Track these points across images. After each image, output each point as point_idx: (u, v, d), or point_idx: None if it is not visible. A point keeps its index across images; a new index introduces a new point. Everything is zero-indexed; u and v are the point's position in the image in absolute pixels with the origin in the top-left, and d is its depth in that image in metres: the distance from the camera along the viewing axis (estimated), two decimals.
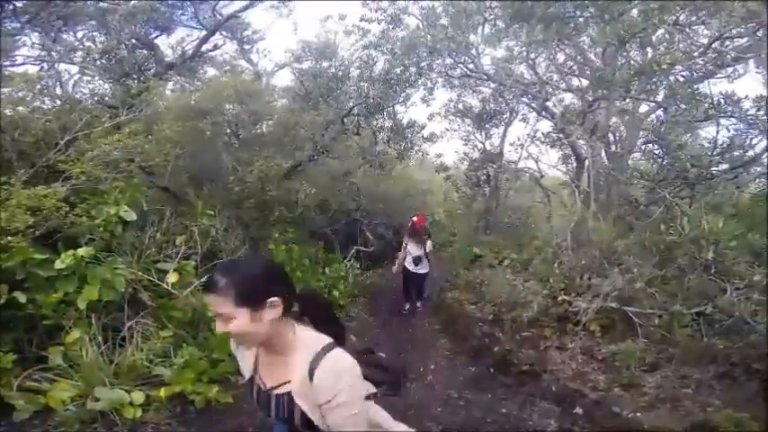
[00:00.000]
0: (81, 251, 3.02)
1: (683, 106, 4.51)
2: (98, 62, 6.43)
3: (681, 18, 4.16)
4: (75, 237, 3.35)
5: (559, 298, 4.31)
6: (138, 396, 2.80)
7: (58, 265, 2.96)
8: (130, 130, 3.89)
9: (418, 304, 6.45)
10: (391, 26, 6.29)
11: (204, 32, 7.63)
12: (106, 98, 5.81)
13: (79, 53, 6.36)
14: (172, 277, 3.55)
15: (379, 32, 6.38)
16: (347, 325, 5.24)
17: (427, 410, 3.49)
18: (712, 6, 3.73)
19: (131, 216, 3.49)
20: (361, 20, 6.57)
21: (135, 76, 6.57)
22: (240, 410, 3.10)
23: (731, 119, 4.48)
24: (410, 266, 6.22)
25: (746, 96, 4.25)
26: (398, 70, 6.06)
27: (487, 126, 8.04)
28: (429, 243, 6.16)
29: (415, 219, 6.36)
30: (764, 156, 4.73)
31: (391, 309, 6.57)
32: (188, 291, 3.70)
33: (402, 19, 6.26)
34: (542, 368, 3.79)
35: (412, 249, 6.15)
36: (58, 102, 5.07)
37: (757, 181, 5.39)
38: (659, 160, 5.49)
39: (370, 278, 7.91)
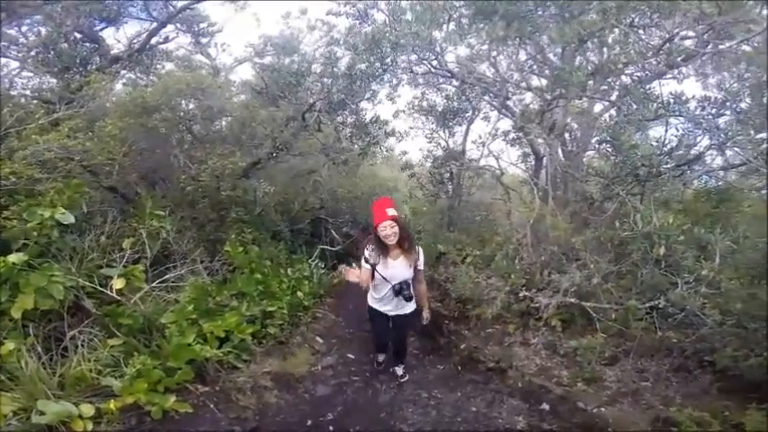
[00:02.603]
0: (12, 257, 2.76)
1: (635, 106, 4.70)
2: (39, 56, 5.95)
3: (636, 20, 4.33)
4: (6, 242, 3.06)
5: (521, 294, 4.38)
6: (88, 408, 2.63)
7: None
8: (70, 128, 3.59)
9: (400, 371, 4.03)
10: (358, 21, 6.20)
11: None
12: (45, 93, 5.37)
13: (20, 47, 5.88)
14: (117, 283, 3.32)
15: (345, 28, 6.29)
16: (313, 326, 5.16)
17: (398, 410, 3.46)
18: (668, 8, 3.90)
19: (69, 219, 3.21)
20: (328, 14, 6.46)
21: (77, 70, 6.13)
22: (201, 420, 2.96)
23: (679, 118, 4.72)
24: (389, 306, 3.58)
25: (693, 96, 4.49)
26: (363, 66, 5.96)
27: (451, 124, 8.10)
28: (422, 256, 3.57)
29: (388, 214, 3.37)
30: (708, 154, 5.04)
31: (358, 309, 6.46)
32: (137, 296, 3.48)
33: (370, 15, 6.18)
34: (508, 364, 3.85)
35: (394, 271, 3.42)
36: None
37: (700, 178, 5.72)
38: (612, 158, 5.69)
39: (337, 277, 7.79)
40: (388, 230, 3.32)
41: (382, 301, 3.61)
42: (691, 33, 4.29)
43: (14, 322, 2.82)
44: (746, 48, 3.75)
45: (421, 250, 3.57)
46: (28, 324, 2.92)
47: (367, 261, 3.40)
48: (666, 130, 4.93)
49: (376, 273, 3.44)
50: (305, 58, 6.94)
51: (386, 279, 3.44)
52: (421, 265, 3.54)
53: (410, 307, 3.59)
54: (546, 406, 3.28)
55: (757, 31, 3.35)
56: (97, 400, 2.76)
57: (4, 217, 3.05)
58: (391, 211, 3.35)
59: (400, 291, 3.43)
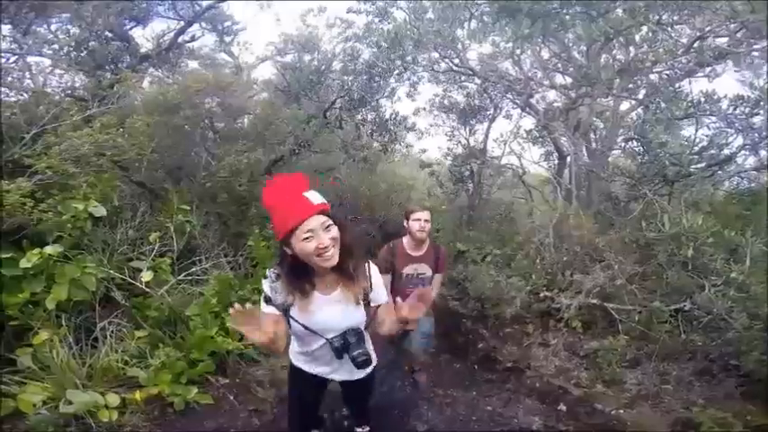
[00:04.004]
0: (48, 249, 2.88)
1: (664, 104, 4.58)
2: (71, 54, 6.18)
3: (664, 17, 4.21)
4: (42, 234, 3.20)
5: (542, 294, 4.33)
6: (114, 398, 2.73)
7: (24, 264, 2.82)
8: (102, 124, 3.72)
9: None
10: (378, 19, 6.21)
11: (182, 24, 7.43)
12: (78, 91, 5.58)
13: (51, 45, 6.11)
14: (146, 276, 3.43)
15: (363, 25, 6.31)
16: None
17: (413, 408, 3.47)
18: (697, 6, 3.79)
19: (101, 211, 3.33)
20: (348, 11, 6.50)
21: (108, 68, 6.33)
22: (221, 412, 3.04)
23: (710, 117, 4.57)
24: (327, 368, 1.94)
25: (725, 95, 4.36)
26: (384, 63, 5.98)
27: (472, 122, 8.04)
28: (376, 273, 1.82)
29: (313, 202, 1.57)
30: (740, 154, 4.86)
31: None
32: (164, 289, 3.59)
33: (390, 12, 6.19)
34: (526, 365, 3.82)
35: (328, 315, 1.73)
36: (25, 95, 4.84)
37: (731, 179, 5.53)
38: (639, 158, 5.56)
39: None
40: (322, 237, 1.54)
41: (313, 359, 1.90)
42: (723, 31, 4.15)
43: (48, 313, 2.92)
44: None
45: (374, 267, 1.82)
46: (60, 314, 3.02)
47: (269, 301, 1.69)
48: (697, 130, 4.79)
49: (292, 322, 1.72)
50: (325, 56, 7.00)
51: (313, 331, 1.73)
52: (382, 297, 1.82)
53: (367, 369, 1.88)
54: (563, 407, 3.25)
55: None
56: (123, 390, 2.86)
57: (40, 210, 3.19)
58: (316, 198, 1.58)
59: (345, 348, 1.71)
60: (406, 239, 3.28)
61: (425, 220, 3.16)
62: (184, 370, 3.11)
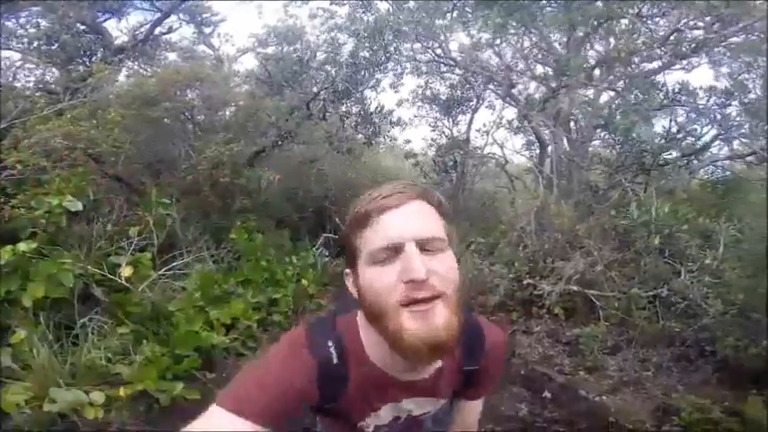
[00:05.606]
0: (21, 246, 2.79)
1: (641, 95, 4.66)
2: (41, 48, 5.95)
3: (643, 10, 4.27)
4: (15, 231, 3.09)
5: (524, 281, 4.39)
6: (98, 396, 2.66)
7: None
8: (72, 116, 3.59)
9: None
10: (361, 10, 6.15)
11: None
12: (49, 85, 5.39)
13: (20, 39, 5.88)
14: (125, 270, 3.35)
15: (346, 15, 6.25)
16: (317, 314, 5.18)
17: None
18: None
19: (76, 206, 3.24)
20: (331, 3, 6.42)
21: (81, 61, 6.13)
22: (208, 406, 3.00)
23: (685, 108, 4.68)
24: None
25: (700, 87, 4.46)
26: (366, 53, 5.93)
27: (455, 113, 8.08)
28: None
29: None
30: (714, 144, 5.01)
31: None
32: (145, 284, 3.52)
33: (373, 4, 6.13)
34: (510, 352, 3.87)
35: None
36: None
37: (706, 168, 5.68)
38: (617, 147, 5.66)
39: (341, 265, 7.80)
40: None
41: None
42: (699, 24, 4.24)
43: (25, 311, 2.84)
44: (753, 38, 3.70)
45: None
46: (38, 312, 2.93)
47: None
48: (671, 120, 4.90)
49: None
50: (307, 47, 6.90)
51: None
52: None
53: None
54: (548, 394, 3.30)
55: (756, 18, 3.30)
56: (107, 387, 2.79)
57: (12, 206, 3.08)
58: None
59: None
60: (364, 327, 0.82)
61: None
62: (169, 366, 3.06)
